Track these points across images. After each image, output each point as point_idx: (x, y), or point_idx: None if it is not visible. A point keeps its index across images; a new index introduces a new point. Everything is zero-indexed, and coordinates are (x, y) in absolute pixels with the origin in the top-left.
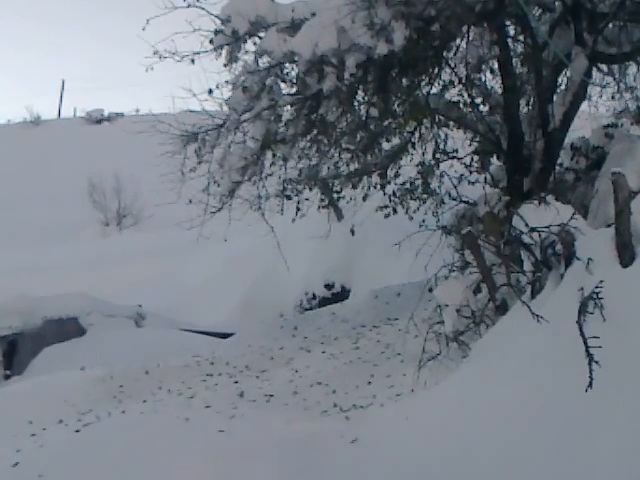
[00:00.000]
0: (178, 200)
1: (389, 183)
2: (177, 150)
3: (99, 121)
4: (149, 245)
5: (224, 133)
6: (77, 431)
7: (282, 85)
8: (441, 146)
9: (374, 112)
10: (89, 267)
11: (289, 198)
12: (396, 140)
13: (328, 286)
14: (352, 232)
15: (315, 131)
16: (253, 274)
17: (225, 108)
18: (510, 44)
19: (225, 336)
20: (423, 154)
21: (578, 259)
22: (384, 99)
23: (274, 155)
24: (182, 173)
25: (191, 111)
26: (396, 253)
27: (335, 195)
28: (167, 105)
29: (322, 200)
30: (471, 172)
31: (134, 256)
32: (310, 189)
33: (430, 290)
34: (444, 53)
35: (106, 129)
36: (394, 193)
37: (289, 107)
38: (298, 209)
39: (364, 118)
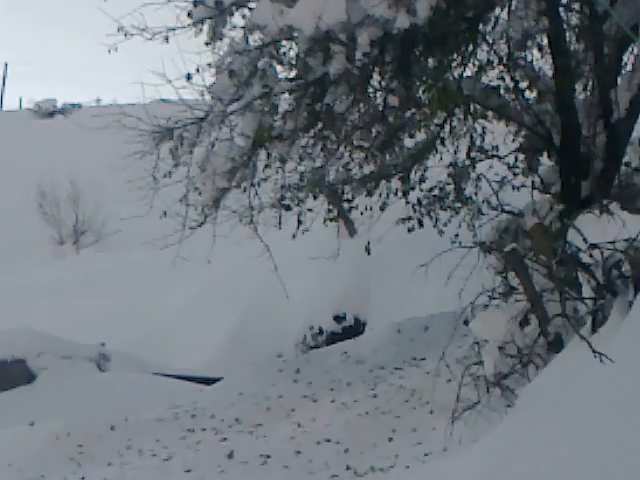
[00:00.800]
0: (150, 212)
1: (413, 189)
2: (148, 150)
3: (51, 114)
4: (114, 268)
5: (206, 128)
6: None
7: (278, 68)
8: (477, 142)
9: (393, 101)
10: (39, 296)
11: (288, 209)
12: (421, 135)
13: (338, 318)
14: (367, 251)
15: (320, 125)
16: (244, 304)
17: (207, 97)
18: (562, 15)
19: (210, 381)
20: (455, 152)
21: None
22: (405, 84)
23: (269, 155)
24: (154, 178)
25: (165, 101)
26: (423, 277)
27: (346, 205)
28: (135, 94)
29: (329, 211)
30: (515, 174)
31: (95, 282)
32: (314, 197)
33: (465, 323)
34: (480, 26)
35: (60, 124)
36: (419, 202)
37: (287, 95)
38: (300, 222)
39: (381, 108)
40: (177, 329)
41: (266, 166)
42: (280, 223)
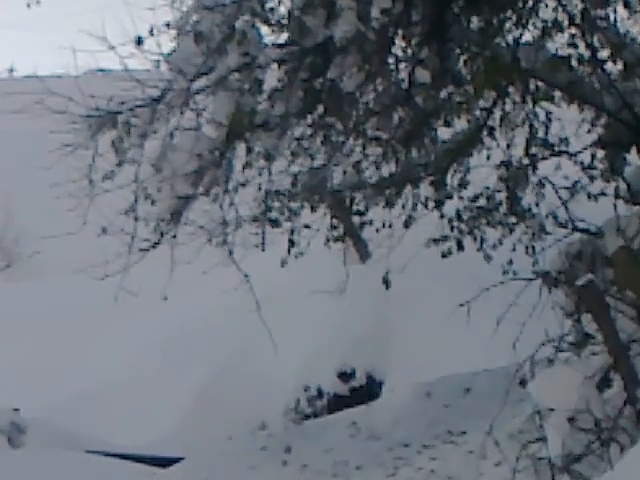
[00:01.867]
0: (83, 229)
1: (449, 198)
2: (82, 142)
3: None
4: (32, 304)
5: (163, 113)
6: None
7: (263, 30)
8: (539, 134)
9: (423, 76)
10: None
11: (276, 225)
12: (461, 124)
13: (344, 376)
14: (386, 283)
15: (321, 109)
16: (215, 357)
17: (165, 70)
18: None
19: (166, 463)
20: (508, 147)
21: None
22: (440, 53)
23: (250, 150)
24: (90, 182)
25: (105, 72)
26: (463, 319)
27: (356, 219)
28: (63, 64)
29: (333, 227)
30: (592, 178)
31: (5, 323)
32: (313, 209)
33: (522, 384)
34: None
35: None
36: (458, 215)
37: (276, 68)
38: (292, 243)
39: (406, 86)
40: (121, 390)
41: (246, 165)
42: (264, 244)
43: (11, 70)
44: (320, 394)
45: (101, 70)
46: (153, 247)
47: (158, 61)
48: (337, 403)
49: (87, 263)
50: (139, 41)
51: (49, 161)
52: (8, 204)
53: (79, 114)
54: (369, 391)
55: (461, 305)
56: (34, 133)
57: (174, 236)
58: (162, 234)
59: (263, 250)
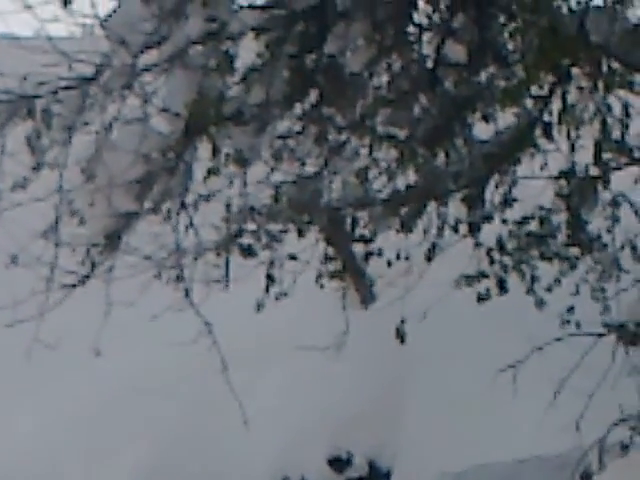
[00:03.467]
0: None
1: (488, 220)
2: None
3: None
4: None
5: (97, 98)
6: None
7: None
8: (613, 133)
9: (454, 51)
10: None
11: (250, 253)
12: (506, 118)
13: (338, 462)
14: (401, 336)
15: (315, 95)
16: (160, 434)
17: (101, 40)
18: None
19: None
20: (572, 150)
21: None
22: (478, 21)
23: (216, 151)
24: None
25: (12, 40)
26: (505, 387)
27: (360, 247)
28: None
29: (329, 259)
30: None
31: None
32: (300, 233)
33: (586, 477)
34: None
35: None
36: (500, 244)
37: (253, 38)
38: (271, 279)
39: (431, 65)
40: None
41: (210, 172)
42: (227, 280)
43: None
44: None
45: (8, 37)
46: (81, 283)
47: (91, 28)
48: None
49: None
50: (66, 0)
51: None
52: None
53: None
54: None
55: (502, 370)
56: None
57: (110, 268)
58: (94, 265)
59: (226, 287)
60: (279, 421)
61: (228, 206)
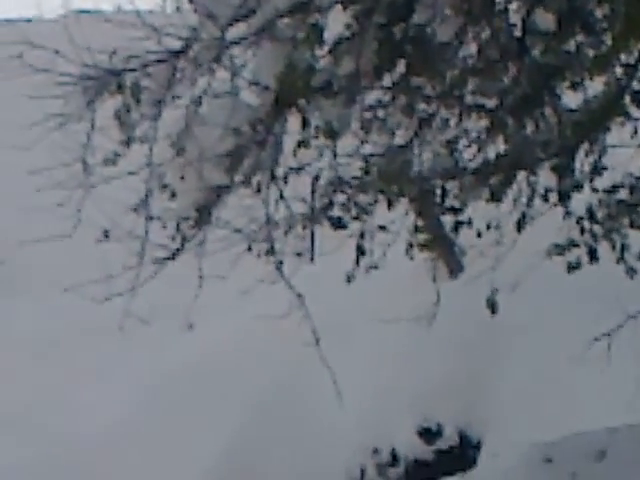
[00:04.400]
0: (75, 231)
1: (578, 188)
2: (73, 112)
3: None
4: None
5: (186, 72)
6: None
7: None
8: None
9: (543, 19)
10: None
11: (340, 225)
12: (596, 86)
13: (428, 434)
14: (492, 306)
15: (403, 66)
16: (249, 403)
17: (189, 14)
18: None
19: None
20: None
21: None
22: None
23: (306, 123)
24: (86, 167)
25: (91, 14)
26: (597, 357)
27: (448, 218)
28: (30, 3)
29: (418, 230)
30: None
31: None
32: (390, 204)
33: None
34: None
35: None
36: (590, 213)
37: (341, 9)
38: (361, 253)
39: (519, 34)
40: (120, 445)
41: (300, 144)
42: (313, 252)
43: None
44: (395, 459)
45: (85, 12)
46: (173, 257)
47: (178, 1)
48: (418, 472)
49: (81, 278)
50: None
51: (27, 139)
52: None
53: (69, 74)
54: (462, 455)
55: (596, 339)
56: (4, 100)
57: (201, 242)
58: (185, 239)
59: (312, 260)
60: (369, 393)
61: (317, 179)
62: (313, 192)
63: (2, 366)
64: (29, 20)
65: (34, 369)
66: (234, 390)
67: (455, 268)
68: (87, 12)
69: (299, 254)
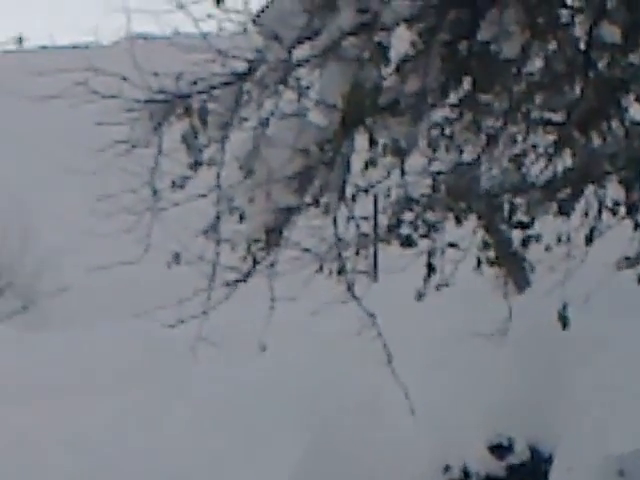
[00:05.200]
0: (144, 257)
1: None
2: (140, 136)
3: None
4: (57, 365)
5: (253, 94)
6: None
7: None
8: None
9: (609, 32)
10: None
11: (410, 244)
12: None
13: (499, 449)
14: (563, 321)
15: (469, 83)
16: (323, 424)
17: (255, 36)
18: None
19: None
20: None
21: None
22: (632, 0)
23: (373, 142)
24: (154, 192)
25: (147, 39)
26: None
27: (516, 232)
28: (87, 30)
29: (487, 246)
30: None
31: (18, 391)
32: (458, 220)
33: None
34: None
35: None
36: None
37: (405, 29)
38: (431, 270)
39: (584, 47)
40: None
41: (368, 163)
42: (376, 271)
43: (20, 40)
44: (466, 475)
45: (142, 36)
46: (244, 279)
47: (244, 24)
48: None
49: (152, 303)
50: None
51: (94, 165)
52: (27, 223)
53: (135, 99)
54: (534, 470)
55: None
56: (71, 127)
57: (272, 264)
58: (256, 261)
59: (375, 280)
60: (441, 409)
61: (387, 197)
62: (375, 211)
63: (88, 390)
64: (86, 47)
65: (116, 392)
66: (306, 410)
67: (523, 283)
68: (144, 36)
69: (367, 273)
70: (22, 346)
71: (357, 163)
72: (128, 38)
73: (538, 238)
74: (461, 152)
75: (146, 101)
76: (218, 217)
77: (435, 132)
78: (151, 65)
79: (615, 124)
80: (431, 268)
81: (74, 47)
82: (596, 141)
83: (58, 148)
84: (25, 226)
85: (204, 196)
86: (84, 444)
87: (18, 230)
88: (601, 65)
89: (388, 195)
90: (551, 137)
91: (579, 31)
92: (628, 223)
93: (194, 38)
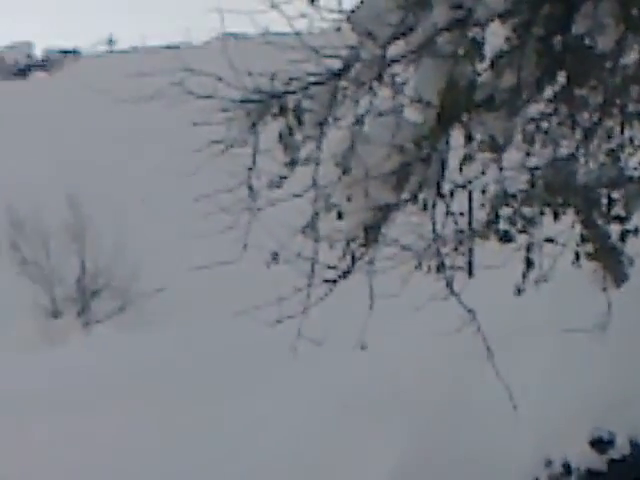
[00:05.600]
0: (242, 257)
1: None
2: (237, 136)
3: (23, 70)
4: (157, 364)
5: (348, 92)
6: None
7: None
8: None
9: None
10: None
11: (508, 239)
12: None
13: (600, 443)
14: None
15: (564, 77)
16: (420, 420)
17: (349, 35)
18: None
19: None
20: None
21: None
22: None
23: (469, 138)
24: (250, 189)
25: (238, 38)
26: None
27: (614, 226)
28: (204, 31)
29: (585, 240)
30: None
31: (127, 391)
32: (556, 215)
33: None
34: None
35: (41, 88)
36: None
37: (499, 24)
38: (530, 264)
39: None
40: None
41: (465, 159)
42: (471, 267)
43: (111, 41)
44: (567, 470)
45: (232, 35)
46: (343, 277)
47: (338, 23)
48: None
49: (252, 302)
50: None
51: (191, 165)
52: (122, 224)
53: (230, 98)
54: (635, 464)
55: None
56: (167, 128)
57: (371, 261)
58: (354, 259)
59: (470, 275)
60: (541, 404)
61: (483, 192)
62: (470, 207)
63: (197, 383)
64: (177, 47)
65: (221, 385)
66: (407, 407)
67: (621, 278)
68: (235, 36)
69: (464, 269)
70: (120, 345)
71: (453, 159)
72: (220, 38)
73: (636, 232)
74: (557, 147)
75: (242, 101)
76: (316, 215)
77: (531, 127)
78: (244, 64)
79: None
80: (529, 263)
81: (166, 47)
82: None
83: (153, 149)
84: (121, 228)
85: (301, 195)
86: (185, 445)
87: (114, 232)
88: None
89: (485, 191)
90: None
91: None
92: None
93: (285, 36)
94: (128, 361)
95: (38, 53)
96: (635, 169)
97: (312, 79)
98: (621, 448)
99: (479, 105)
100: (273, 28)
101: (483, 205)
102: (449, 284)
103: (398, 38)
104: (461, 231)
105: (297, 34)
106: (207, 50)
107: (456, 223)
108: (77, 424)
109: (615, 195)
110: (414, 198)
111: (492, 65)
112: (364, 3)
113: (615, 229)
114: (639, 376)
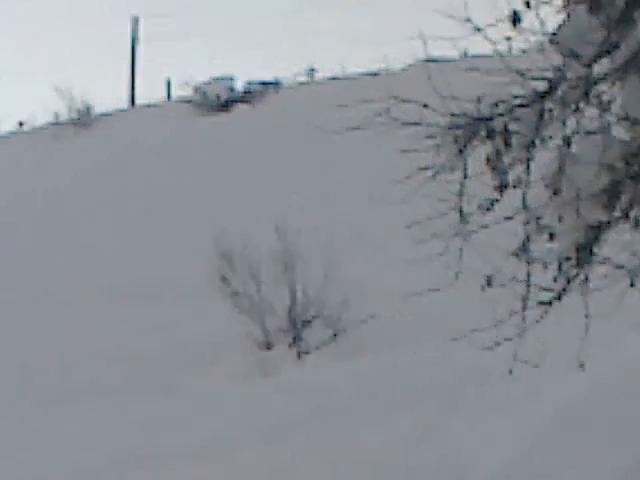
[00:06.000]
0: (458, 280)
1: None
2: (445, 161)
3: (226, 104)
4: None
5: (554, 112)
6: None
7: None
8: None
9: None
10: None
11: None
12: None
13: None
14: None
15: None
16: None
17: (553, 55)
18: None
19: None
20: None
21: None
22: None
23: None
24: (461, 213)
25: (437, 63)
26: None
27: None
28: (401, 57)
29: None
30: None
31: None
32: None
33: None
34: None
35: (245, 121)
36: None
37: None
38: None
39: None
40: None
41: None
42: None
43: (311, 71)
44: None
45: (433, 60)
46: (558, 298)
47: (541, 44)
48: None
49: (468, 326)
50: (516, 18)
51: (401, 192)
52: (331, 253)
53: (433, 124)
54: None
55: None
56: (376, 156)
57: (584, 280)
58: (568, 279)
59: None
60: None
61: None
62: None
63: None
64: (376, 74)
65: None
66: (625, 428)
67: None
68: (434, 61)
69: None
70: (336, 373)
71: None
72: (420, 64)
73: None
74: None
75: (450, 127)
76: (528, 237)
77: None
78: (446, 89)
79: None
80: None
81: (365, 74)
82: None
83: (360, 178)
84: (329, 257)
85: (512, 218)
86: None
87: (323, 261)
88: None
89: None
90: None
91: None
92: None
93: (484, 59)
94: (348, 392)
95: (239, 85)
96: None
97: (517, 101)
98: None
99: None
100: (471, 51)
101: None
102: None
103: (602, 56)
104: None
105: (501, 56)
106: (406, 76)
107: None
108: None
109: None
110: (625, 216)
111: None
112: (567, 23)
113: None
114: None
